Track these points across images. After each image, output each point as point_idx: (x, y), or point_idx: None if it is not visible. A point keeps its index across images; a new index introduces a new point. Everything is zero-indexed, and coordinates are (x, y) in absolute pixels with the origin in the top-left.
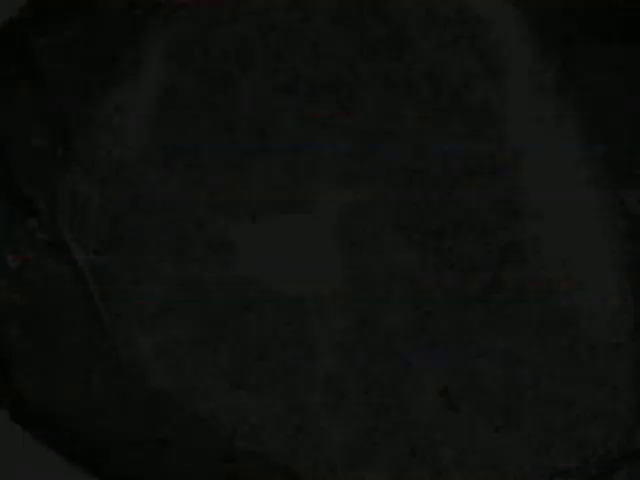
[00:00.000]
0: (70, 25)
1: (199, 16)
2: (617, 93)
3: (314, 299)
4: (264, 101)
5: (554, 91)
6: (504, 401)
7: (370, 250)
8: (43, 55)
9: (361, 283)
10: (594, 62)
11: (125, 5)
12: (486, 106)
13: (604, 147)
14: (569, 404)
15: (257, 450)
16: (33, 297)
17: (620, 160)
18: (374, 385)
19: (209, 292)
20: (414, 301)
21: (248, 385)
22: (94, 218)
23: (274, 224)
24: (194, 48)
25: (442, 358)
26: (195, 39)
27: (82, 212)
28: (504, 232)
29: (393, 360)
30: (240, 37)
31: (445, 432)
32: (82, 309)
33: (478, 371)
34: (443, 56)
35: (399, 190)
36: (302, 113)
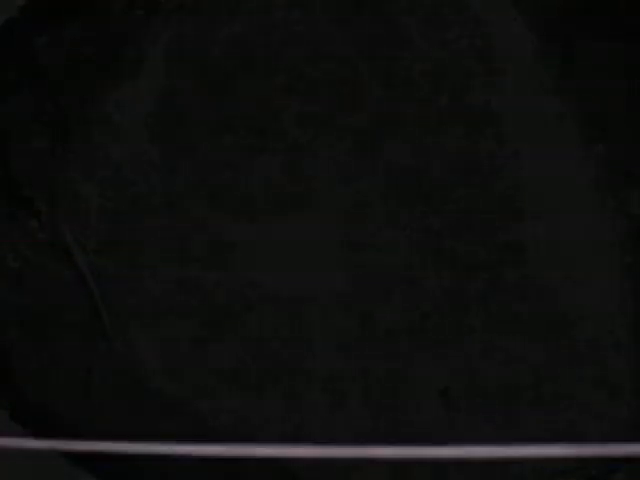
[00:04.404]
0: (70, 25)
1: (199, 16)
2: (617, 93)
3: (314, 299)
4: (264, 101)
5: (554, 91)
6: (504, 401)
7: (370, 250)
8: (43, 55)
9: (361, 283)
10: (594, 62)
11: (125, 5)
12: (486, 106)
13: (604, 147)
14: (569, 404)
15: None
16: (33, 297)
17: (620, 160)
18: (374, 385)
19: (209, 292)
20: (414, 301)
21: (248, 385)
22: (94, 218)
23: (274, 224)
24: (194, 48)
25: (442, 358)
26: (195, 39)
27: (82, 212)
28: (504, 232)
29: (393, 360)
30: (240, 37)
31: (445, 432)
32: (82, 309)
33: (478, 371)
34: (443, 56)
35: (399, 190)
36: (302, 113)
